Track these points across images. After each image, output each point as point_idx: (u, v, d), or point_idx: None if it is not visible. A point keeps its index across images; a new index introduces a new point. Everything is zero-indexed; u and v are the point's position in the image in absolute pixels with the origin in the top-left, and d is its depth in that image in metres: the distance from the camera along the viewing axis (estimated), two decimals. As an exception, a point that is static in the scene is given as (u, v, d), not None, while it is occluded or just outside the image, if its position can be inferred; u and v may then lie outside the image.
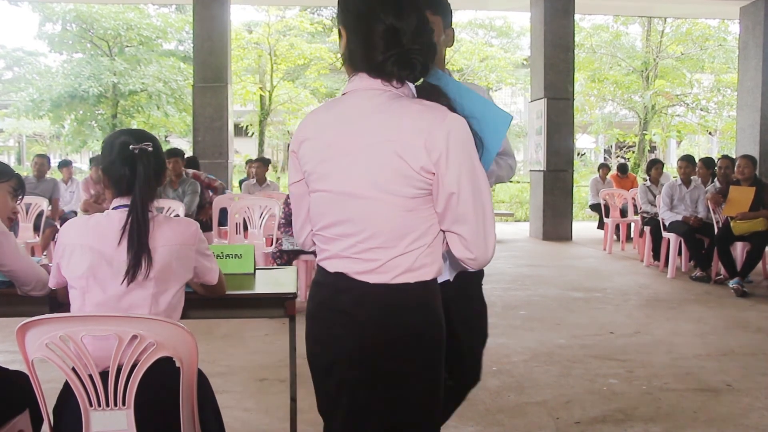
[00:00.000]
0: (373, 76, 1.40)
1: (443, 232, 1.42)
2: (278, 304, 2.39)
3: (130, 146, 1.83)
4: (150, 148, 1.85)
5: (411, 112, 1.36)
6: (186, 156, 6.69)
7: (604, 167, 10.39)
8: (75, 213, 7.61)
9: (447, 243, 1.44)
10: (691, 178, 6.93)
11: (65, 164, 8.69)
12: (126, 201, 1.83)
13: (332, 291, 1.43)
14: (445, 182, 1.34)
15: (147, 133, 1.93)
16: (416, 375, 1.41)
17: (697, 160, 7.29)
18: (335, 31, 1.83)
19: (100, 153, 1.93)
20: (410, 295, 1.39)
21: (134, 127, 15.39)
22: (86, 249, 1.79)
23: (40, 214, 6.67)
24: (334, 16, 1.51)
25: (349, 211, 1.39)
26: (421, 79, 1.44)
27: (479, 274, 2.18)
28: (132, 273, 1.75)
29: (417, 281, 1.39)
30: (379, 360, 1.39)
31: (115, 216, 1.83)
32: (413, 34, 1.39)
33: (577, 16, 10.02)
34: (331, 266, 1.43)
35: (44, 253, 6.58)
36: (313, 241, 1.52)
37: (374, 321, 1.38)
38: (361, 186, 1.37)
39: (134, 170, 1.82)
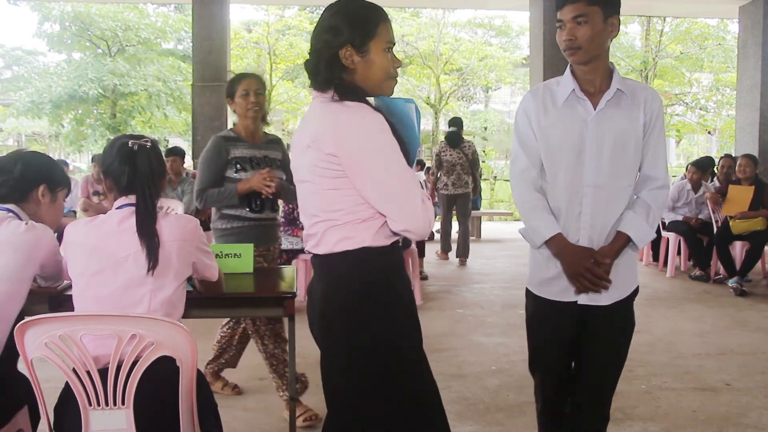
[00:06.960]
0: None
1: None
2: (278, 304, 2.39)
3: (129, 143, 1.87)
4: (148, 144, 1.90)
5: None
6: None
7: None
8: (73, 212, 7.58)
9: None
10: (702, 182, 6.82)
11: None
12: (130, 200, 1.86)
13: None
14: None
15: (145, 135, 1.97)
16: None
17: (692, 162, 7.16)
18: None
19: (101, 154, 1.96)
20: None
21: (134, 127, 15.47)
22: (87, 247, 1.81)
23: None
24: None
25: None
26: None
27: (635, 291, 2.05)
28: (153, 262, 1.78)
29: None
30: None
31: (117, 215, 1.85)
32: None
33: (576, 16, 10.03)
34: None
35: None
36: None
37: None
38: None
39: (134, 166, 1.85)
